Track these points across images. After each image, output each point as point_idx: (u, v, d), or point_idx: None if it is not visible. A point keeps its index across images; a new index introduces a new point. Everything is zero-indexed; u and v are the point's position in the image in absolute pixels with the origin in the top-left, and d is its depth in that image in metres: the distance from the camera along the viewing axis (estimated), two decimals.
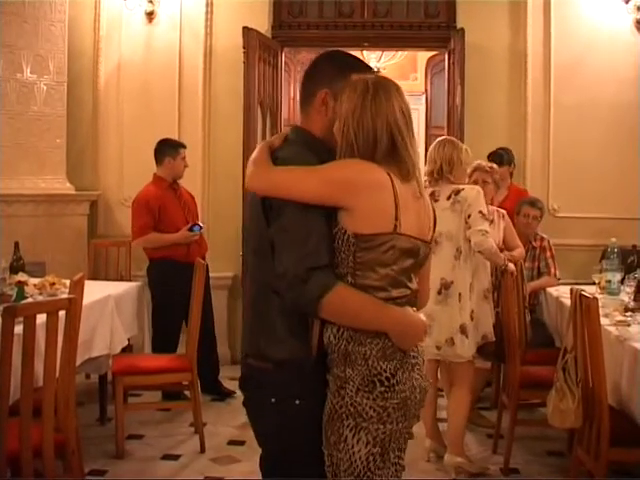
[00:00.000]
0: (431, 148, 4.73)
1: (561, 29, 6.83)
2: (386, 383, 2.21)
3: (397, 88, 2.32)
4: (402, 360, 2.25)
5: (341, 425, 2.22)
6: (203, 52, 7.05)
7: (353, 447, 2.21)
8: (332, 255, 2.22)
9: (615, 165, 6.74)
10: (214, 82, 7.10)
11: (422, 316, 2.34)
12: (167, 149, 6.01)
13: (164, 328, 5.70)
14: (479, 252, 4.53)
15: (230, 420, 5.54)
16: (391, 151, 2.26)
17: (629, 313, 4.45)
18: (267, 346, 2.31)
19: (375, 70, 2.57)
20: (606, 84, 6.80)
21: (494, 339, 4.71)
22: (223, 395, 6.08)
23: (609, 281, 5.12)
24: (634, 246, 5.94)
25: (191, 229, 5.91)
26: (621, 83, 6.79)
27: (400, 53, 10.49)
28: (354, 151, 2.25)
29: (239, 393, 5.99)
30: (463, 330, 4.45)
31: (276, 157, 2.33)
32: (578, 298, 3.92)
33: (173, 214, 5.93)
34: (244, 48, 6.57)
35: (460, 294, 4.44)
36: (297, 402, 2.27)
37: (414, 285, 2.34)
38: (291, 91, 11.06)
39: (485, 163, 5.17)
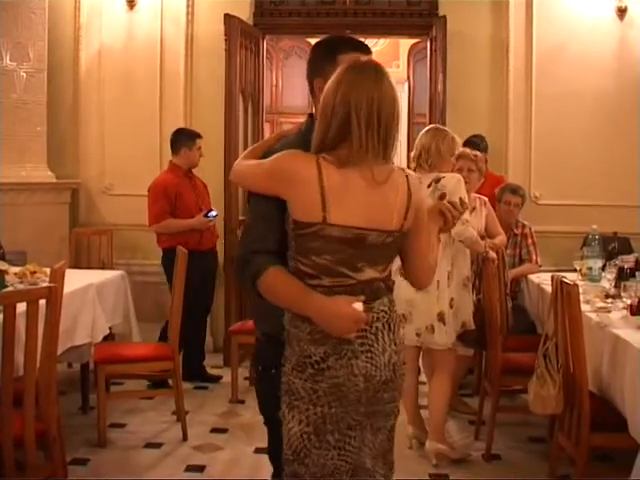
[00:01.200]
0: (418, 136, 4.75)
1: (543, 17, 6.83)
2: (315, 366, 2.28)
3: (377, 72, 2.28)
4: (336, 346, 2.27)
5: (282, 401, 2.34)
6: (184, 39, 7.02)
7: (289, 423, 2.32)
8: (285, 242, 2.34)
9: (596, 153, 6.77)
10: (195, 69, 7.07)
11: (357, 306, 2.22)
12: (184, 139, 6.08)
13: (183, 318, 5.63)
14: (460, 241, 4.54)
15: (213, 408, 5.55)
16: (344, 135, 2.26)
17: (610, 300, 4.48)
18: (258, 321, 2.61)
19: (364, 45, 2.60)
20: (588, 72, 6.82)
21: (473, 327, 4.73)
22: (208, 381, 6.12)
23: (590, 268, 5.16)
24: (615, 233, 5.98)
25: (206, 215, 5.97)
26: (603, 71, 6.82)
27: (383, 40, 10.47)
28: (316, 131, 2.32)
29: (224, 379, 6.09)
30: (441, 318, 4.47)
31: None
32: (559, 285, 3.94)
33: (188, 201, 6.01)
34: (225, 36, 6.54)
35: (438, 282, 4.42)
36: (273, 371, 2.38)
37: (363, 275, 2.31)
38: (273, 78, 11.04)
39: (470, 151, 5.16)
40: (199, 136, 6.11)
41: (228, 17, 6.53)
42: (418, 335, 4.50)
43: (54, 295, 3.50)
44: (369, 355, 2.29)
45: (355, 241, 2.27)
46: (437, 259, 2.56)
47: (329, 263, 2.28)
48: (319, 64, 2.51)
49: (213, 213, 6.01)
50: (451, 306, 4.50)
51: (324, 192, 2.24)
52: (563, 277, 3.95)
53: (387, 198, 2.30)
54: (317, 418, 2.29)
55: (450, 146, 4.57)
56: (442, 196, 2.46)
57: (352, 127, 2.24)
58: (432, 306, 4.45)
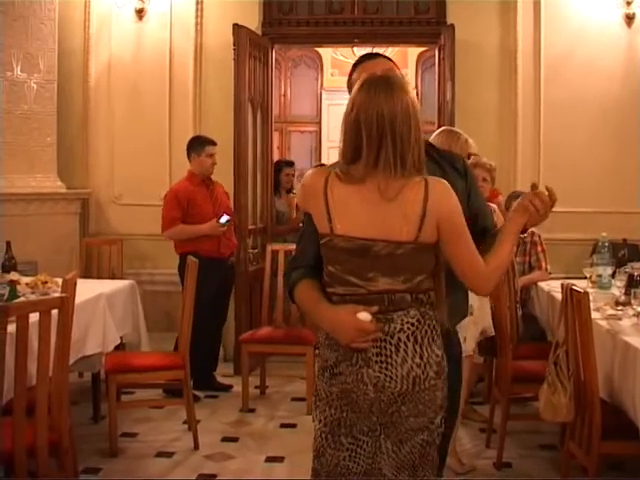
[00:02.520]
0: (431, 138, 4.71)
1: (551, 24, 6.85)
2: (330, 371, 2.40)
3: (388, 85, 2.32)
4: (347, 353, 2.36)
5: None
6: (193, 49, 7.08)
7: (314, 421, 2.47)
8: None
9: (605, 159, 6.78)
10: (204, 79, 7.11)
11: (362, 316, 2.30)
12: (194, 145, 6.13)
13: (197, 325, 5.63)
14: None
15: (223, 417, 5.55)
16: (359, 152, 2.32)
17: (620, 307, 4.46)
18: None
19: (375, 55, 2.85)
20: (596, 79, 6.84)
21: (493, 333, 4.72)
22: (219, 390, 6.13)
23: (600, 275, 5.14)
24: (625, 240, 5.98)
25: (218, 221, 5.97)
26: (611, 78, 6.84)
27: (391, 49, 10.48)
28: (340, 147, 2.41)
29: (235, 388, 6.11)
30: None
31: None
32: (569, 292, 3.94)
33: (202, 208, 6.02)
34: (234, 45, 6.56)
35: None
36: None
37: (375, 285, 2.35)
38: (281, 88, 11.07)
39: (486, 160, 5.14)
40: (210, 143, 6.11)
41: (237, 27, 6.55)
42: None
43: (66, 305, 3.51)
44: (384, 365, 2.32)
45: (360, 251, 2.33)
46: (506, 262, 2.47)
47: (339, 272, 2.38)
48: (349, 82, 2.74)
49: (224, 219, 5.98)
50: (471, 313, 4.46)
51: (328, 205, 2.35)
52: (573, 285, 3.95)
53: (396, 210, 2.31)
54: (333, 420, 2.41)
55: (463, 148, 4.54)
56: (533, 186, 2.43)
57: (362, 145, 2.30)
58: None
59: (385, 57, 2.81)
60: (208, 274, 5.42)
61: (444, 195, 2.35)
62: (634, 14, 6.73)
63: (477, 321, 4.57)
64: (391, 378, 2.32)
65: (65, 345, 3.62)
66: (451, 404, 2.55)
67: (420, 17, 7.10)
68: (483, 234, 2.70)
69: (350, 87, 2.59)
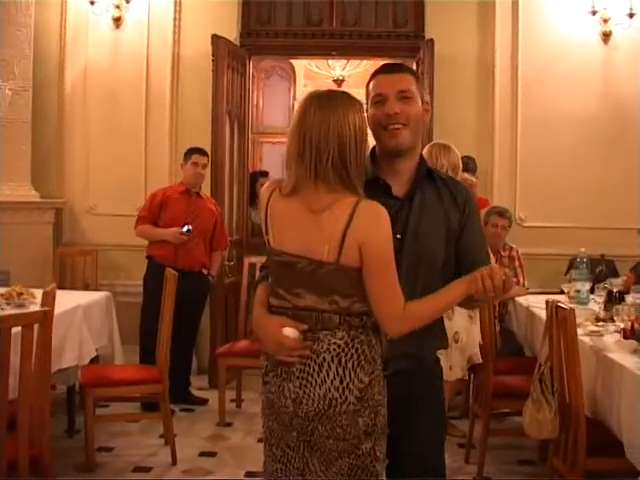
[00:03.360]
0: (431, 153, 4.64)
1: (528, 40, 6.91)
2: (263, 378, 2.45)
3: (310, 101, 2.34)
4: (273, 363, 2.39)
5: None
6: (171, 59, 7.02)
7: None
8: None
9: (581, 175, 6.83)
10: (181, 89, 7.06)
11: (286, 331, 2.31)
12: (185, 153, 6.15)
13: (147, 332, 5.60)
14: None
15: (200, 431, 5.49)
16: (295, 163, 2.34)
17: (601, 323, 4.49)
18: None
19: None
20: (572, 95, 6.90)
21: (480, 361, 4.69)
22: (194, 403, 6.06)
23: (578, 291, 5.17)
24: (602, 256, 6.02)
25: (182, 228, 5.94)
26: (588, 95, 6.91)
27: (365, 62, 10.51)
28: None
29: (211, 402, 6.03)
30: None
31: None
32: (554, 309, 3.95)
33: (174, 216, 5.97)
34: (213, 56, 6.52)
35: None
36: None
37: (300, 301, 2.34)
38: (254, 98, 11.02)
39: (468, 176, 5.12)
40: (197, 152, 6.08)
41: (216, 38, 6.52)
42: None
43: (49, 319, 3.45)
44: (304, 382, 2.32)
45: (288, 266, 2.35)
46: (426, 317, 2.36)
47: (272, 284, 2.42)
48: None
49: (185, 228, 5.91)
50: (456, 340, 4.44)
51: (267, 217, 2.39)
52: (559, 301, 3.97)
53: (321, 227, 2.28)
54: (266, 429, 2.46)
55: (453, 161, 4.53)
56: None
57: (291, 160, 2.33)
58: None
59: (405, 69, 2.62)
60: (163, 282, 5.36)
61: (370, 221, 2.27)
62: (610, 32, 6.80)
63: (464, 348, 4.53)
64: (309, 396, 2.31)
65: (46, 359, 3.56)
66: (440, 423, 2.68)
67: (399, 31, 7.13)
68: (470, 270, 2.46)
69: (367, 96, 2.59)
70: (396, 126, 2.49)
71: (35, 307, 4.53)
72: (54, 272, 6.60)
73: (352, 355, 2.30)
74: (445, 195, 2.59)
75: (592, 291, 5.27)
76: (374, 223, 2.27)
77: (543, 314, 4.72)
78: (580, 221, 6.68)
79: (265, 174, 8.09)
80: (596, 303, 5.08)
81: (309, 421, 2.33)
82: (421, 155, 2.64)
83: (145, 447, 5.14)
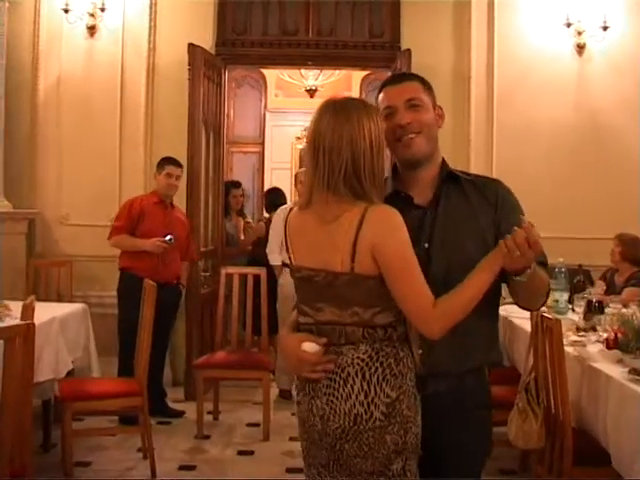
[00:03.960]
0: None
1: (504, 51, 6.95)
2: (295, 398, 2.44)
3: (321, 109, 2.32)
4: (303, 382, 2.35)
5: None
6: (146, 68, 6.94)
7: None
8: None
9: (556, 185, 6.87)
10: (157, 98, 6.98)
11: (307, 346, 2.28)
12: (158, 163, 6.13)
13: (125, 347, 5.54)
14: None
15: (178, 444, 5.43)
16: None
17: (582, 333, 4.51)
18: None
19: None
20: (547, 105, 6.94)
21: None
22: (171, 416, 6.00)
23: (557, 300, 5.19)
24: (580, 266, 6.05)
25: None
26: (563, 105, 6.96)
27: (338, 72, 10.52)
28: None
29: (188, 414, 5.97)
30: None
31: None
32: (539, 319, 3.96)
33: (153, 227, 5.93)
34: (189, 65, 6.48)
35: None
36: None
37: (322, 316, 2.31)
38: (225, 108, 11.00)
39: None
40: (171, 163, 6.07)
41: (192, 47, 6.48)
42: None
43: (31, 332, 3.38)
44: (330, 398, 2.26)
45: (307, 281, 2.33)
46: (462, 307, 2.24)
47: (298, 301, 2.40)
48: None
49: (168, 237, 5.88)
50: None
51: (286, 235, 2.40)
52: (544, 312, 3.97)
53: (333, 238, 2.25)
54: (303, 448, 2.40)
55: None
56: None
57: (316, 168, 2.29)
58: None
59: (412, 77, 2.58)
60: (140, 294, 5.30)
61: (380, 224, 2.22)
62: (585, 44, 6.85)
63: None
64: (335, 412, 2.24)
65: (29, 373, 3.47)
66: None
67: (375, 41, 7.12)
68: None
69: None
70: (410, 136, 2.43)
71: (11, 320, 4.47)
72: (27, 284, 6.50)
73: (377, 369, 2.23)
74: (473, 195, 2.49)
75: (570, 301, 5.30)
76: (384, 226, 2.22)
77: (524, 324, 4.75)
78: (556, 231, 6.68)
79: (238, 185, 8.04)
80: (575, 313, 5.11)
81: (336, 439, 2.26)
82: (443, 160, 2.57)
83: (123, 461, 5.06)
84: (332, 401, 2.25)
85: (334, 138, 2.24)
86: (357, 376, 2.23)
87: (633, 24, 6.95)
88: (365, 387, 2.22)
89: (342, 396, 2.24)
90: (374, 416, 2.21)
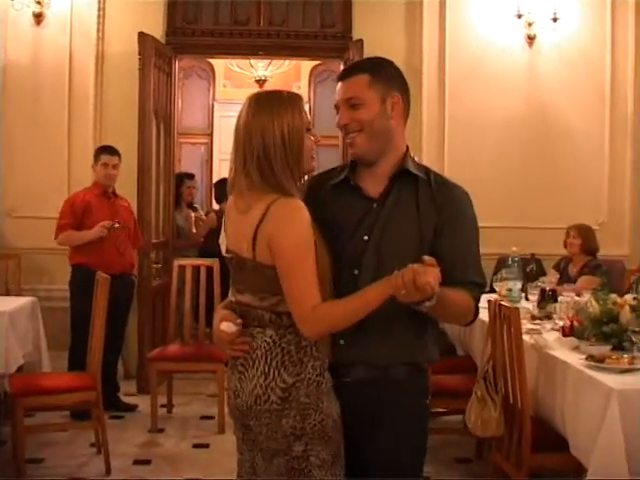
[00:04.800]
0: None
1: (455, 42, 6.99)
2: None
3: (246, 101, 2.36)
4: (228, 357, 2.43)
5: None
6: (95, 57, 6.80)
7: None
8: None
9: (511, 175, 6.95)
10: (106, 88, 6.85)
11: (224, 325, 2.35)
12: (94, 154, 6.01)
13: (79, 342, 5.44)
14: None
15: (132, 439, 5.36)
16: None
17: (537, 321, 4.57)
18: None
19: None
20: (498, 97, 7.01)
21: None
22: (124, 410, 5.92)
23: (510, 289, 5.24)
24: (533, 255, 6.13)
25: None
26: (512, 96, 7.03)
27: (287, 62, 10.47)
28: None
29: (141, 408, 5.90)
30: None
31: None
32: (497, 308, 3.99)
33: (100, 219, 5.81)
34: (139, 55, 6.38)
35: None
36: None
37: (240, 298, 2.39)
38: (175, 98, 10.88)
39: None
40: (105, 152, 5.97)
41: (142, 35, 6.38)
42: None
43: None
44: (241, 377, 2.34)
45: (229, 263, 2.42)
46: (340, 319, 2.25)
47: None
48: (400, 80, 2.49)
49: (115, 223, 5.82)
50: None
51: (224, 219, 2.46)
52: (501, 300, 4.00)
53: (243, 226, 2.31)
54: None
55: None
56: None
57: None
58: None
59: (358, 70, 2.45)
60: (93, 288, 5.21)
61: (279, 219, 2.24)
62: (535, 35, 6.92)
63: None
64: (242, 390, 2.33)
65: None
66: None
67: (326, 31, 7.09)
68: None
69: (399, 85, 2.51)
70: (351, 135, 2.41)
71: None
72: None
73: (277, 354, 2.29)
74: (423, 196, 2.41)
75: (523, 290, 5.35)
76: (283, 221, 2.24)
77: (481, 313, 4.78)
78: (508, 220, 6.78)
79: (191, 177, 7.96)
80: (528, 301, 5.17)
81: (244, 415, 2.34)
82: (405, 154, 2.46)
83: (76, 457, 4.98)
84: (242, 379, 2.34)
85: (249, 127, 2.30)
86: (262, 359, 2.30)
87: (583, 16, 7.06)
88: (266, 370, 2.30)
89: (249, 376, 2.32)
90: (271, 399, 2.28)
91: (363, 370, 2.39)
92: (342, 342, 2.36)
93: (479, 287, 2.42)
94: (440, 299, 2.18)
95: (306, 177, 2.54)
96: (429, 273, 2.09)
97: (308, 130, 2.36)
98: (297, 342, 2.29)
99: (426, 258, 2.14)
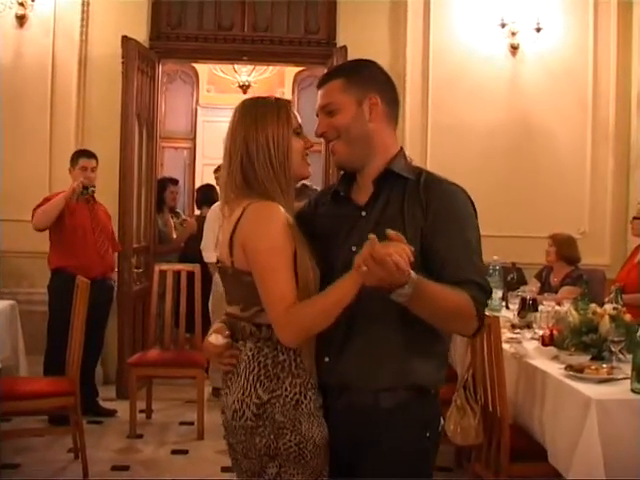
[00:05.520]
0: None
1: (439, 50, 7.00)
2: None
3: (235, 109, 2.36)
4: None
5: None
6: (78, 60, 6.76)
7: None
8: None
9: (491, 185, 6.93)
10: (89, 91, 6.81)
11: (212, 337, 2.32)
12: (71, 158, 5.95)
13: (57, 347, 5.38)
14: None
15: (111, 444, 5.33)
16: None
17: (517, 330, 4.58)
18: None
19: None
20: (481, 105, 7.03)
21: None
22: (102, 415, 5.89)
23: (491, 298, 5.25)
24: (514, 264, 6.14)
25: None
26: (495, 105, 7.05)
27: (271, 68, 10.48)
28: None
29: (120, 413, 5.86)
30: None
31: None
32: None
33: (80, 220, 5.80)
34: (123, 58, 6.36)
35: None
36: None
37: (229, 309, 2.35)
38: (158, 102, 10.85)
39: None
40: (83, 155, 5.93)
41: (126, 39, 6.36)
42: None
43: None
44: (226, 390, 2.30)
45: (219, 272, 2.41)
46: (312, 319, 2.14)
47: None
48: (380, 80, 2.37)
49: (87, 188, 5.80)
50: None
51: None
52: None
53: (224, 230, 2.29)
54: None
55: None
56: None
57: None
58: None
59: (332, 76, 2.36)
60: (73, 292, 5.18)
61: (253, 222, 2.21)
62: (518, 44, 6.96)
63: None
64: (226, 404, 2.28)
65: None
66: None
67: (310, 37, 7.09)
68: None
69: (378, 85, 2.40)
70: (331, 144, 2.34)
71: None
72: None
73: (254, 368, 2.22)
74: (410, 196, 2.27)
75: (504, 298, 5.37)
76: (256, 224, 2.20)
77: None
78: (490, 229, 6.71)
79: (175, 182, 7.92)
80: (509, 310, 5.18)
81: (226, 431, 2.30)
82: (395, 155, 2.35)
83: (53, 462, 4.95)
84: (227, 394, 2.28)
85: (234, 133, 2.30)
86: (242, 373, 2.24)
87: (566, 26, 7.09)
88: (243, 384, 2.23)
89: (231, 390, 2.26)
90: (245, 415, 2.21)
91: (351, 394, 2.25)
92: (327, 359, 2.26)
93: (479, 287, 2.18)
94: (420, 289, 2.02)
95: (303, 182, 2.51)
96: (390, 246, 1.94)
97: (298, 134, 2.32)
98: (274, 356, 2.22)
99: (390, 232, 1.98)
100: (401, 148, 2.39)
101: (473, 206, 2.34)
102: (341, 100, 2.31)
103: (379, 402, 2.22)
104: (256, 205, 2.22)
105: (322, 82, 2.38)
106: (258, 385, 2.20)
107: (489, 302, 4.95)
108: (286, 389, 2.20)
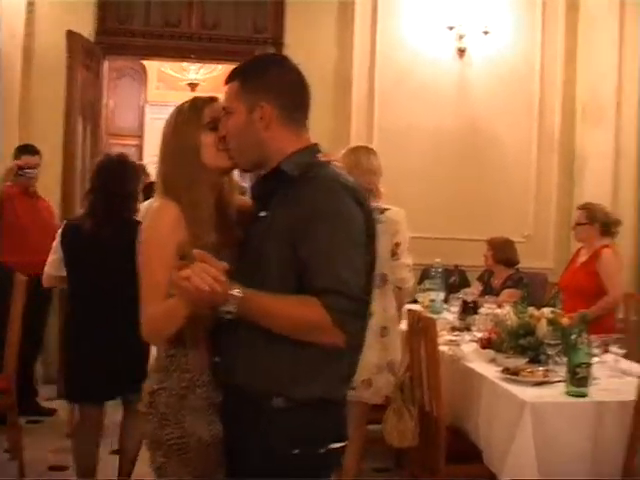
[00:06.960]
0: (354, 157, 4.22)
1: (385, 52, 7.02)
2: None
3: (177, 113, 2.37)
4: None
5: None
6: (22, 53, 6.63)
7: None
8: None
9: (436, 188, 7.00)
10: (33, 85, 6.69)
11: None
12: (14, 155, 5.83)
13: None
14: (399, 288, 4.19)
15: (49, 444, 5.23)
16: None
17: (457, 333, 4.62)
18: None
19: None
20: (428, 108, 7.07)
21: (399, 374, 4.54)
22: (41, 415, 5.79)
23: (433, 300, 5.30)
24: (456, 266, 6.19)
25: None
26: (442, 108, 7.09)
27: (220, 66, 10.43)
28: None
29: (60, 413, 5.73)
30: (391, 368, 4.09)
31: None
32: (415, 318, 4.02)
33: (20, 215, 5.70)
34: (68, 53, 6.28)
35: (385, 328, 4.06)
36: None
37: None
38: (104, 98, 10.74)
39: None
40: (23, 152, 5.82)
41: (71, 34, 6.29)
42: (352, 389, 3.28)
43: None
44: None
45: None
46: (164, 316, 2.14)
47: None
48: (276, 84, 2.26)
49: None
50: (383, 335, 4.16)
51: None
52: (421, 311, 4.04)
53: None
54: None
55: (373, 166, 4.27)
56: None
57: None
58: (371, 358, 3.90)
59: (231, 77, 2.27)
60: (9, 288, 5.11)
61: (144, 222, 2.34)
62: (466, 48, 7.01)
63: (388, 347, 4.12)
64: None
65: None
66: None
67: (258, 36, 7.09)
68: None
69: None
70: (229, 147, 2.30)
71: None
72: None
73: (154, 359, 2.35)
74: (286, 196, 2.17)
75: (446, 301, 5.42)
76: (144, 224, 2.31)
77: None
78: (433, 231, 6.82)
79: None
80: (450, 312, 5.22)
81: None
82: (289, 155, 2.20)
83: None
84: None
85: (167, 141, 2.35)
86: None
87: (514, 30, 7.18)
88: (148, 373, 2.36)
89: None
90: (144, 400, 2.29)
91: (238, 395, 2.21)
92: (217, 359, 2.26)
93: (337, 294, 2.03)
94: (250, 306, 2.02)
95: (235, 174, 2.48)
96: (192, 268, 1.95)
97: (212, 129, 2.29)
98: (166, 349, 2.27)
99: (195, 252, 2.00)
100: (307, 146, 2.26)
101: (361, 204, 2.18)
102: (234, 105, 2.24)
103: (261, 408, 2.15)
104: (153, 206, 2.31)
105: (226, 81, 2.31)
106: (152, 374, 2.32)
107: (431, 304, 4.99)
108: (173, 382, 2.25)
